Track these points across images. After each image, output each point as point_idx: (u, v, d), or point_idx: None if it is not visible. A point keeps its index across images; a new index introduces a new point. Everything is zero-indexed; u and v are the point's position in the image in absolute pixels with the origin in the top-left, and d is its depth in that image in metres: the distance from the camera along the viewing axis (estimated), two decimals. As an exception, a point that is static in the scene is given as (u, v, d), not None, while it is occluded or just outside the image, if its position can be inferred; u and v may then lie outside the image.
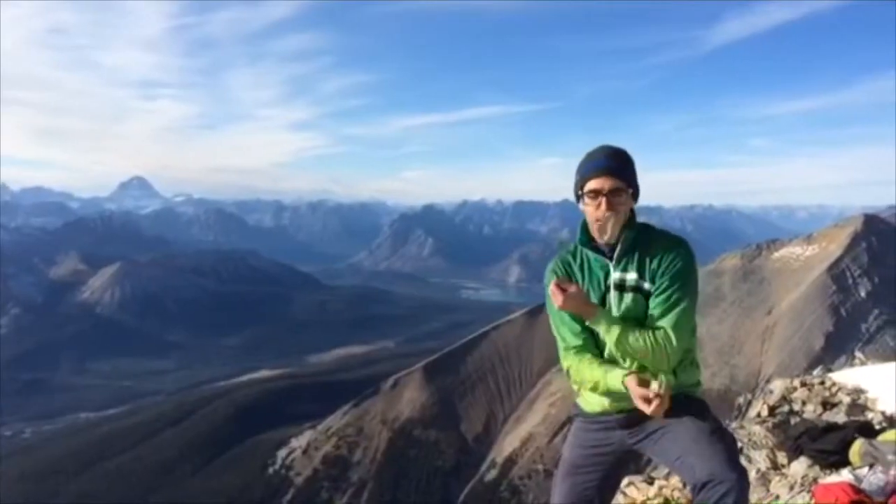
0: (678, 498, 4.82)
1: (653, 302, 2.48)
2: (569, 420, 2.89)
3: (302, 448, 72.12)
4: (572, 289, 2.47)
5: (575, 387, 2.72)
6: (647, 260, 2.52)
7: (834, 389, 6.17)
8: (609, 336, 2.47)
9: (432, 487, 66.96)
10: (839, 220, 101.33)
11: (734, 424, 5.86)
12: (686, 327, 2.47)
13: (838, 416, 5.47)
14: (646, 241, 2.55)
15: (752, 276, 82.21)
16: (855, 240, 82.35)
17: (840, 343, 69.31)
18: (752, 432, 5.18)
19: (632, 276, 2.52)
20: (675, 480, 4.96)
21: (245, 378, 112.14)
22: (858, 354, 8.86)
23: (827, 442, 4.46)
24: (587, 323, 2.53)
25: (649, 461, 3.58)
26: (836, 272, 78.89)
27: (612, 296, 2.54)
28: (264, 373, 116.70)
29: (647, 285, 2.51)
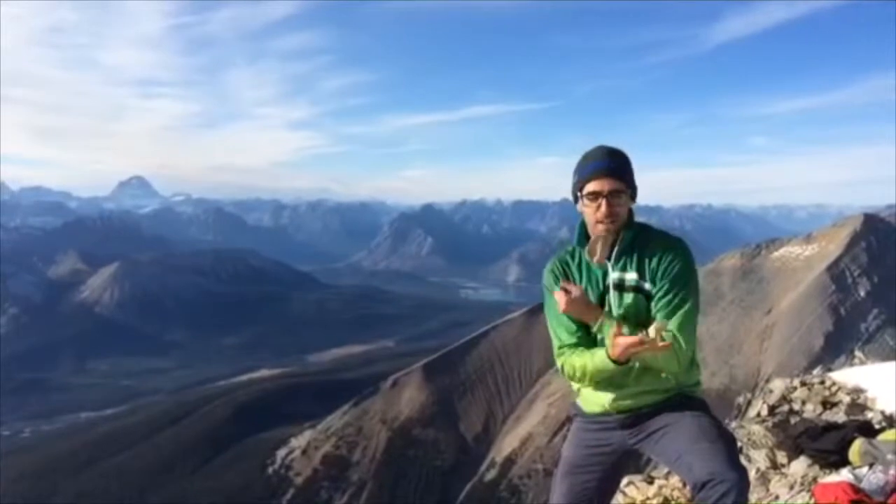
0: (678, 497, 4.82)
1: (656, 304, 2.47)
2: (568, 420, 2.88)
3: (301, 448, 72.13)
4: (576, 292, 2.45)
5: (574, 386, 2.72)
6: (647, 260, 2.51)
7: (833, 389, 6.17)
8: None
9: (432, 487, 66.98)
10: (838, 219, 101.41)
11: (734, 424, 5.87)
12: (692, 329, 2.47)
13: (838, 416, 5.47)
14: (644, 240, 2.55)
15: (752, 276, 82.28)
16: (854, 239, 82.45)
17: (839, 342, 69.43)
18: (751, 432, 5.18)
19: (631, 276, 2.52)
20: (675, 480, 4.96)
21: (244, 377, 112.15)
22: (858, 354, 8.87)
23: (826, 441, 4.46)
24: (592, 328, 2.51)
25: (649, 461, 3.58)
26: (836, 272, 78.99)
27: (612, 295, 2.54)
28: (264, 372, 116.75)
29: (647, 285, 2.50)
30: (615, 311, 2.52)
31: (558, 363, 2.64)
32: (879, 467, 3.74)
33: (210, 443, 74.54)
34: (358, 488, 66.94)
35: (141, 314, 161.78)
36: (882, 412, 5.33)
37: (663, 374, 2.52)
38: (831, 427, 4.70)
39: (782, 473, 4.54)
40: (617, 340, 2.32)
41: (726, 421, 6.86)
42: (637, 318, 2.48)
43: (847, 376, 6.43)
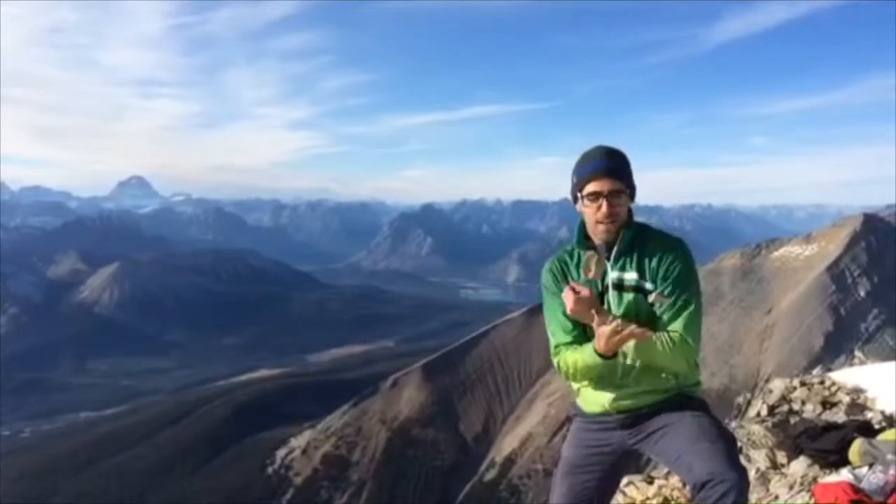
0: (677, 497, 4.82)
1: (661, 306, 2.48)
2: (568, 420, 2.86)
3: (301, 448, 72.15)
4: (585, 292, 2.42)
5: (574, 386, 2.72)
6: (647, 260, 2.51)
7: (833, 389, 6.17)
8: (626, 345, 2.43)
9: (431, 487, 67.00)
10: (838, 219, 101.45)
11: (733, 424, 5.86)
12: (698, 328, 2.48)
13: (838, 416, 5.47)
14: (643, 240, 2.55)
15: (752, 276, 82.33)
16: (854, 239, 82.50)
17: (839, 342, 69.46)
18: (751, 432, 5.18)
19: (631, 276, 2.52)
20: (675, 480, 4.96)
21: (244, 377, 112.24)
22: (858, 354, 8.87)
23: (826, 441, 4.46)
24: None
25: (649, 460, 3.58)
26: (836, 272, 79.03)
27: (611, 295, 2.54)
28: (263, 372, 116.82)
29: (648, 285, 2.50)
30: (615, 311, 2.52)
31: (554, 362, 2.65)
32: (879, 467, 3.74)
33: (210, 443, 74.55)
34: (358, 488, 66.96)
35: (141, 314, 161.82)
36: (882, 412, 5.32)
37: (663, 375, 2.53)
38: (831, 427, 4.70)
39: (782, 473, 4.54)
40: (599, 331, 2.35)
41: (726, 421, 6.86)
42: (637, 318, 2.48)
43: (847, 376, 6.42)
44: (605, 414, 2.64)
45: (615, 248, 2.54)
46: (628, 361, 2.48)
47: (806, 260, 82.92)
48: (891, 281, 77.48)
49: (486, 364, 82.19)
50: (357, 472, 68.62)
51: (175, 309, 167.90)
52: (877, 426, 4.77)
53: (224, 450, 73.46)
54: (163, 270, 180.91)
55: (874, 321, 75.47)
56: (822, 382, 6.40)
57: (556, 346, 2.62)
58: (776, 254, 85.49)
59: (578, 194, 2.53)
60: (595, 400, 2.66)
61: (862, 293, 77.67)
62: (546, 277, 2.65)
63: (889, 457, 3.88)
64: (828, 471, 4.21)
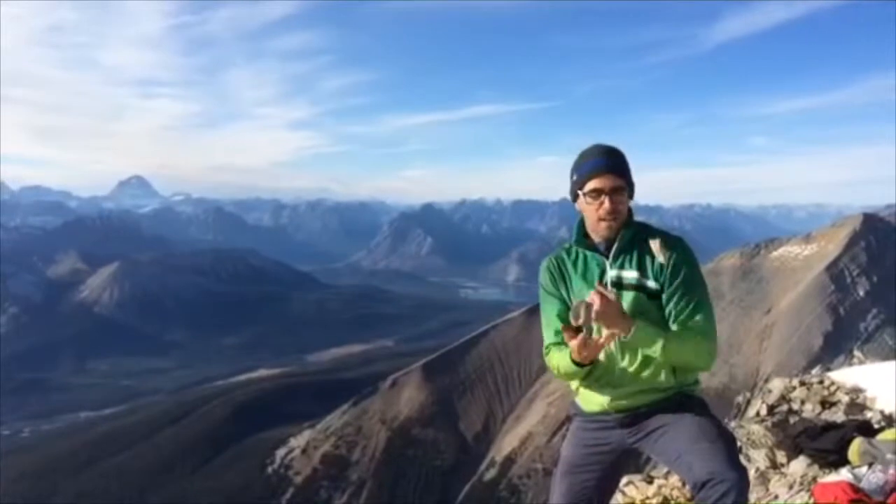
0: (677, 497, 4.82)
1: (673, 305, 2.47)
2: (568, 419, 2.85)
3: (301, 447, 72.13)
4: (611, 295, 2.36)
5: (573, 385, 2.72)
6: (648, 258, 2.51)
7: (833, 388, 6.17)
8: (653, 348, 2.41)
9: (431, 487, 66.99)
10: (838, 219, 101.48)
11: (733, 423, 5.86)
12: (714, 323, 2.49)
13: (837, 416, 5.46)
14: (643, 239, 2.55)
15: (751, 276, 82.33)
16: (853, 239, 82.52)
17: (839, 342, 69.48)
18: (751, 431, 5.18)
19: (632, 275, 2.51)
20: (675, 479, 4.96)
21: (244, 377, 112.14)
22: (857, 353, 8.87)
23: (826, 441, 4.46)
24: (623, 339, 2.41)
25: (649, 460, 3.58)
26: (835, 271, 79.04)
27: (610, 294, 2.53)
28: (263, 372, 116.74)
29: (651, 283, 2.49)
30: None
31: (546, 361, 2.66)
32: (879, 467, 3.74)
33: (210, 443, 74.52)
34: (357, 488, 66.94)
35: (141, 314, 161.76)
36: (881, 412, 5.33)
37: (662, 376, 2.52)
38: (830, 427, 4.70)
39: (782, 473, 4.54)
40: (570, 343, 2.35)
41: (725, 420, 6.86)
42: (637, 317, 2.45)
43: (846, 376, 6.42)
44: (603, 413, 2.64)
45: (615, 246, 2.53)
46: (659, 357, 2.46)
47: (805, 260, 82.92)
48: (890, 281, 77.50)
49: (486, 364, 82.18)
50: (357, 472, 68.60)
51: (175, 309, 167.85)
52: (876, 426, 4.77)
53: (224, 450, 73.44)
54: (163, 270, 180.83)
55: (873, 321, 75.48)
56: (821, 382, 6.40)
57: (547, 346, 2.63)
58: (776, 254, 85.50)
59: (579, 192, 2.52)
60: (594, 399, 2.65)
61: (861, 293, 77.68)
62: (543, 276, 2.65)
63: (888, 456, 3.88)
64: (827, 470, 4.21)
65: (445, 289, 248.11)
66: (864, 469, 3.79)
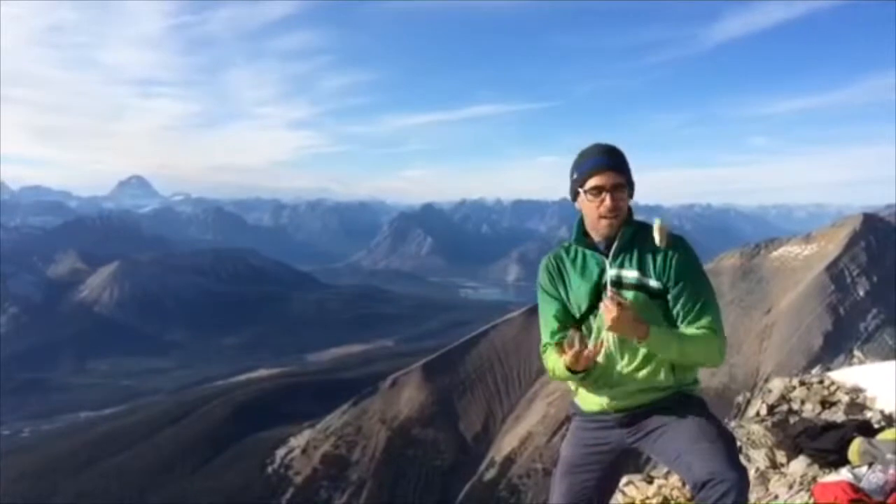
0: (677, 497, 4.82)
1: (681, 306, 2.47)
2: (567, 419, 2.85)
3: (301, 447, 72.13)
4: (626, 301, 2.37)
5: (573, 385, 2.72)
6: (649, 257, 2.50)
7: (833, 388, 6.16)
8: (669, 352, 2.43)
9: (431, 486, 66.99)
10: (838, 219, 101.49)
11: (733, 423, 5.86)
12: (721, 319, 2.51)
13: (837, 415, 5.46)
14: (643, 237, 2.54)
15: (751, 276, 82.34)
16: (853, 239, 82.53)
17: (839, 342, 69.49)
18: (750, 431, 5.18)
19: (632, 274, 2.50)
20: (675, 479, 4.96)
21: (244, 377, 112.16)
22: (857, 353, 8.86)
23: (826, 441, 4.46)
24: (639, 345, 2.43)
25: (648, 460, 3.57)
26: (835, 271, 79.06)
27: (610, 292, 2.53)
28: (263, 372, 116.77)
29: (653, 283, 2.49)
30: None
31: (543, 359, 2.67)
32: (879, 467, 3.74)
33: (210, 442, 74.53)
34: (357, 488, 66.94)
35: (141, 314, 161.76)
36: (881, 412, 5.32)
37: (661, 375, 2.52)
38: (830, 426, 4.70)
39: (782, 473, 4.53)
40: (563, 358, 2.38)
41: (725, 420, 6.86)
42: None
43: (846, 376, 6.42)
44: (603, 413, 2.63)
45: (615, 245, 2.53)
46: (674, 359, 2.47)
47: (805, 260, 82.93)
48: (890, 281, 77.52)
49: (486, 364, 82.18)
50: (357, 472, 68.60)
51: (175, 309, 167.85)
52: (876, 426, 4.76)
53: (224, 449, 73.44)
54: (163, 270, 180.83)
55: (873, 321, 75.50)
56: (821, 382, 6.39)
57: (544, 345, 2.64)
58: (775, 253, 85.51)
59: (580, 189, 2.51)
60: (593, 399, 2.64)
61: (861, 293, 77.69)
62: (542, 276, 2.66)
63: (888, 456, 3.88)
64: (827, 470, 4.21)
65: (445, 289, 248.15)
66: (864, 469, 3.79)
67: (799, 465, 4.47)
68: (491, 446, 71.73)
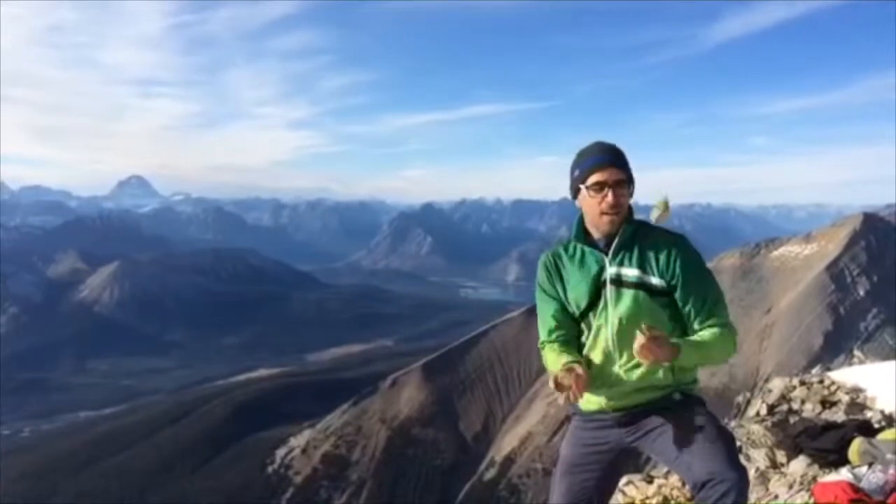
0: (677, 497, 4.81)
1: (691, 305, 2.48)
2: (567, 419, 2.84)
3: (301, 447, 72.14)
4: (657, 332, 2.27)
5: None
6: (651, 255, 2.50)
7: (833, 388, 6.16)
8: (693, 361, 2.43)
9: (431, 486, 67.00)
10: (838, 219, 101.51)
11: (733, 423, 5.86)
12: (728, 314, 2.54)
13: (837, 415, 5.46)
14: (644, 236, 2.53)
15: (751, 275, 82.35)
16: (853, 239, 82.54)
17: (839, 342, 69.50)
18: (750, 431, 5.17)
19: (632, 272, 2.49)
20: (675, 479, 4.95)
21: (244, 377, 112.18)
22: (857, 353, 8.87)
23: (826, 441, 4.45)
24: (674, 362, 2.41)
25: (648, 460, 3.57)
26: (835, 271, 79.06)
27: (609, 290, 2.51)
28: (263, 372, 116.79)
29: (655, 280, 2.48)
30: (611, 308, 2.50)
31: (542, 357, 2.67)
32: (879, 466, 3.74)
33: (210, 442, 74.53)
34: (357, 487, 66.95)
35: (141, 314, 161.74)
36: (881, 411, 5.32)
37: (659, 374, 2.51)
38: (830, 426, 4.70)
39: (782, 473, 4.53)
40: (559, 398, 2.37)
41: (725, 420, 6.86)
42: (637, 316, 2.46)
43: (846, 375, 6.42)
44: (602, 412, 2.63)
45: (615, 243, 2.52)
46: (698, 364, 2.51)
47: (805, 259, 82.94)
48: (890, 280, 77.52)
49: (486, 363, 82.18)
50: (357, 472, 68.61)
51: (175, 309, 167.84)
52: (876, 425, 4.76)
53: (224, 449, 73.45)
54: (163, 270, 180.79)
55: (873, 320, 75.50)
56: (821, 382, 6.39)
57: (542, 343, 2.66)
58: (776, 253, 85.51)
59: (581, 186, 2.50)
60: (592, 398, 2.63)
61: (861, 292, 77.70)
62: (540, 273, 2.66)
63: (889, 456, 3.88)
64: (827, 470, 4.20)
65: (445, 288, 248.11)
66: (864, 469, 3.78)
67: (799, 464, 4.47)
68: (491, 446, 71.74)
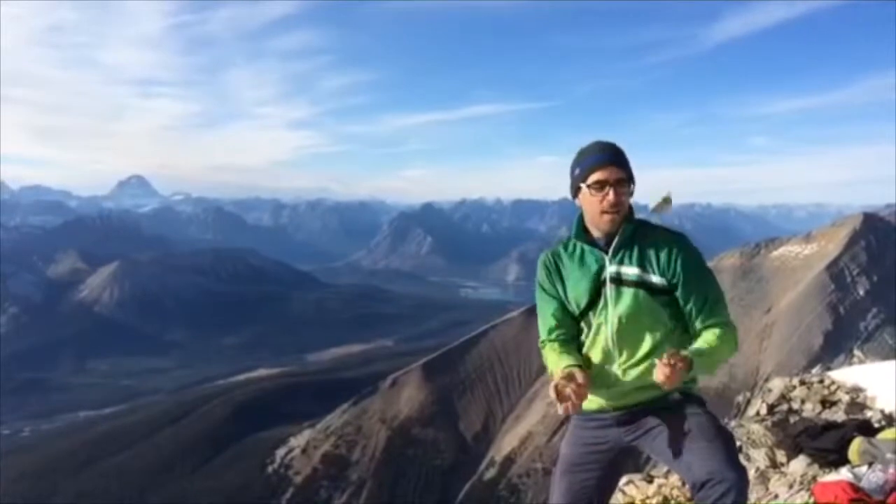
0: (677, 496, 4.81)
1: (693, 304, 2.48)
2: (567, 418, 2.84)
3: (301, 447, 72.14)
4: (675, 358, 2.25)
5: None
6: (651, 254, 2.49)
7: (833, 388, 6.16)
8: (703, 369, 2.41)
9: (431, 486, 67.00)
10: (838, 218, 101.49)
11: (733, 423, 5.86)
12: (728, 311, 2.55)
13: (837, 415, 5.46)
14: (644, 235, 2.53)
15: (751, 275, 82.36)
16: (853, 238, 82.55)
17: (839, 341, 69.50)
18: (750, 431, 5.17)
19: (632, 271, 2.49)
20: (675, 479, 4.95)
21: (244, 377, 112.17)
22: (857, 353, 8.87)
23: (826, 440, 4.45)
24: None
25: (648, 459, 3.57)
26: (835, 271, 79.06)
27: (609, 289, 2.51)
28: (263, 371, 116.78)
29: (655, 279, 2.48)
30: (611, 307, 2.50)
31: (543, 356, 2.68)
32: (879, 466, 3.74)
33: (210, 442, 74.53)
34: (357, 487, 66.95)
35: (141, 314, 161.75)
36: (881, 411, 5.32)
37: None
38: (830, 426, 4.69)
39: (782, 472, 4.53)
40: (560, 410, 2.33)
41: (725, 420, 6.86)
42: (637, 315, 2.46)
43: (846, 375, 6.41)
44: (601, 411, 2.63)
45: (615, 241, 2.51)
46: (704, 370, 2.48)
47: (805, 259, 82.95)
48: (890, 280, 77.52)
49: (486, 363, 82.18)
50: (357, 472, 68.61)
51: (175, 308, 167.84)
52: (876, 425, 4.76)
53: (224, 449, 73.45)
54: (163, 270, 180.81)
55: (873, 320, 75.51)
56: (821, 381, 6.39)
57: (542, 341, 2.67)
58: (776, 253, 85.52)
59: (581, 185, 2.49)
60: (591, 397, 2.62)
61: (861, 292, 77.70)
62: (540, 272, 2.66)
63: (888, 456, 3.87)
64: (827, 470, 4.20)
65: (445, 288, 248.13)
66: (864, 468, 3.78)
67: (799, 464, 4.47)
68: (491, 446, 71.74)
